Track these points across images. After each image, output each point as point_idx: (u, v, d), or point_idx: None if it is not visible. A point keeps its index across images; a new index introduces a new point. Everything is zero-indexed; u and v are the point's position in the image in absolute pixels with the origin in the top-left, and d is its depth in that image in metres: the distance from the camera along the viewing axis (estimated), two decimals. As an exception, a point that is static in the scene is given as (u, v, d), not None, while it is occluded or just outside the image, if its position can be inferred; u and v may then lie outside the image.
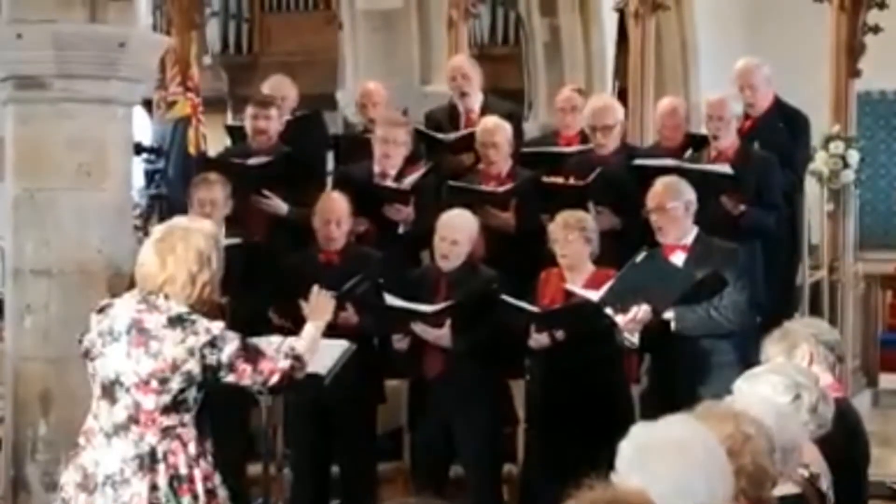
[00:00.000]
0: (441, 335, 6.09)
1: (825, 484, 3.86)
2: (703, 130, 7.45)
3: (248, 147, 7.41)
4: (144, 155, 9.11)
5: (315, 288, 4.85)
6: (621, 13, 11.07)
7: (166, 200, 8.83)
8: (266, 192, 7.15)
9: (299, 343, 4.52)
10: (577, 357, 5.97)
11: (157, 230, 4.44)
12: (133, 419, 4.26)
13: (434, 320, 6.08)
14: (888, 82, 13.18)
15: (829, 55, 9.37)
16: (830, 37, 9.36)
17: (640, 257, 5.95)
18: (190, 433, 4.32)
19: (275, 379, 4.39)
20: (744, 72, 7.72)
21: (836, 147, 9.18)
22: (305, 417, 6.36)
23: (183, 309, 4.26)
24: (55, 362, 6.17)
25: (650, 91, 10.51)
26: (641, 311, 5.90)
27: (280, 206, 7.18)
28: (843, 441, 4.23)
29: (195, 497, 4.28)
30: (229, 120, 14.22)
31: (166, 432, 4.26)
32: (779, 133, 7.59)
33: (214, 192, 6.49)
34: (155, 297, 4.28)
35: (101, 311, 4.39)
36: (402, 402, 6.61)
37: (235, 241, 6.33)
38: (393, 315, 6.13)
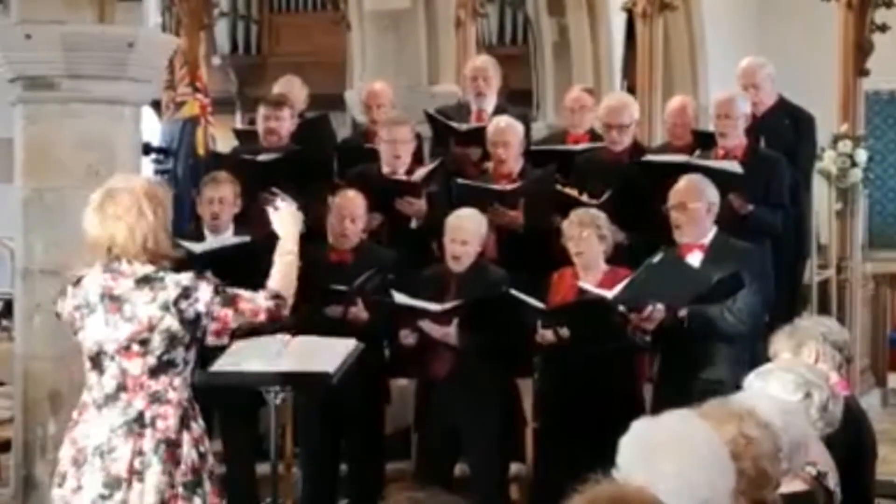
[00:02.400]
0: (448, 333, 6.09)
1: (832, 482, 3.86)
2: (712, 129, 7.44)
3: (258, 146, 7.43)
4: (153, 155, 9.13)
5: (281, 201, 4.72)
6: (629, 13, 11.08)
7: (175, 200, 8.83)
8: (275, 190, 7.16)
9: (272, 282, 4.43)
10: (587, 355, 5.97)
11: (93, 196, 4.34)
12: (122, 386, 4.21)
13: (442, 319, 6.08)
14: (897, 82, 13.17)
15: (837, 54, 9.37)
16: (838, 35, 9.36)
17: (657, 258, 5.96)
18: (181, 395, 4.26)
19: (261, 317, 4.33)
20: (747, 71, 7.74)
21: (845, 146, 9.18)
22: (314, 416, 6.38)
23: (148, 269, 4.22)
24: (64, 361, 6.18)
25: (658, 90, 10.54)
26: (656, 309, 5.91)
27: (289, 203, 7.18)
28: (850, 439, 4.24)
29: (177, 462, 4.21)
30: (238, 120, 14.27)
31: (155, 396, 4.21)
32: (783, 130, 7.60)
33: (223, 190, 6.50)
34: (117, 263, 4.23)
35: (77, 283, 4.34)
36: (411, 402, 6.62)
37: (245, 238, 6.35)
38: (400, 312, 6.14)
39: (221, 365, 5.19)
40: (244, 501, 6.42)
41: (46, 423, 6.24)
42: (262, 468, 6.25)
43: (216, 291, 4.25)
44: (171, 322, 4.19)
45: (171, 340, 4.21)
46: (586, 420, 5.87)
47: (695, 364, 5.97)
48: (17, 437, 6.46)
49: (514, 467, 6.69)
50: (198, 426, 4.32)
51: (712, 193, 6.17)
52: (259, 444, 6.40)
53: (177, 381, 4.25)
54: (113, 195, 4.26)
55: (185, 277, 4.24)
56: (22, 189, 6.39)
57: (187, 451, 4.24)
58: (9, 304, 9.40)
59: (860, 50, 9.26)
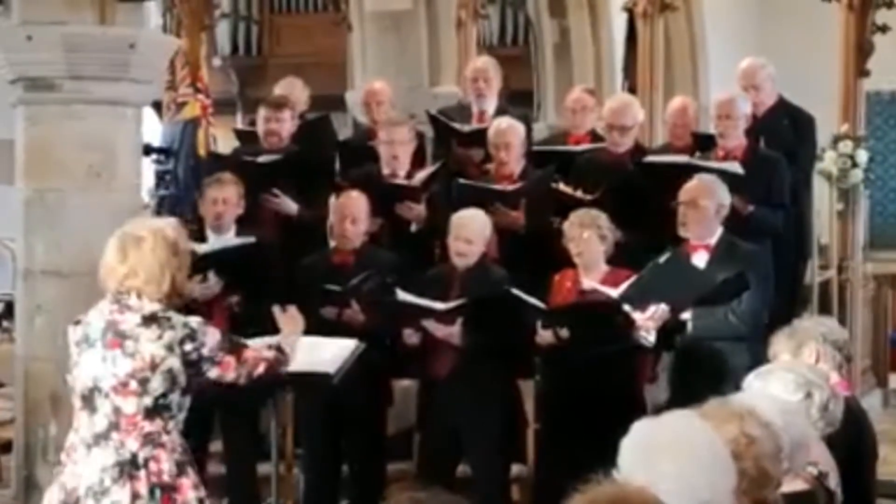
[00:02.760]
0: (451, 332, 6.09)
1: (833, 482, 3.86)
2: (712, 130, 7.45)
3: (258, 147, 7.43)
4: (154, 156, 9.13)
5: (288, 308, 4.82)
6: (630, 13, 11.08)
7: (175, 201, 8.85)
8: (276, 191, 7.17)
9: (280, 341, 4.53)
10: (587, 356, 5.97)
11: (122, 228, 4.31)
12: (114, 426, 4.14)
13: (445, 318, 6.08)
14: (898, 83, 13.17)
15: (837, 55, 9.36)
16: (839, 36, 9.35)
17: (663, 258, 5.96)
18: (175, 441, 4.20)
19: (260, 369, 4.35)
20: (747, 71, 7.74)
21: (845, 146, 9.18)
22: (316, 417, 6.38)
23: (156, 307, 4.17)
24: (65, 363, 6.18)
25: (659, 91, 10.54)
26: (660, 309, 5.91)
27: (289, 205, 7.20)
28: (851, 439, 4.24)
29: None
30: (239, 121, 14.26)
31: (148, 438, 4.14)
32: (783, 131, 7.61)
33: (227, 190, 6.46)
34: (127, 296, 4.18)
35: (77, 323, 4.30)
36: (413, 402, 6.62)
37: (249, 239, 6.33)
38: (403, 311, 6.14)
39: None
40: (245, 502, 6.43)
41: (48, 424, 6.24)
42: (264, 468, 6.27)
43: (224, 339, 4.26)
44: (174, 363, 4.15)
45: (172, 383, 4.15)
46: (587, 421, 5.86)
47: (698, 367, 5.96)
48: (18, 438, 6.46)
49: (516, 468, 6.68)
50: (194, 473, 4.27)
51: (723, 195, 6.18)
52: (260, 445, 6.40)
53: (170, 425, 4.20)
54: (146, 229, 4.25)
55: (194, 320, 4.22)
56: (23, 190, 6.39)
57: (190, 496, 4.19)
58: (10, 306, 9.41)
59: (861, 51, 9.25)
